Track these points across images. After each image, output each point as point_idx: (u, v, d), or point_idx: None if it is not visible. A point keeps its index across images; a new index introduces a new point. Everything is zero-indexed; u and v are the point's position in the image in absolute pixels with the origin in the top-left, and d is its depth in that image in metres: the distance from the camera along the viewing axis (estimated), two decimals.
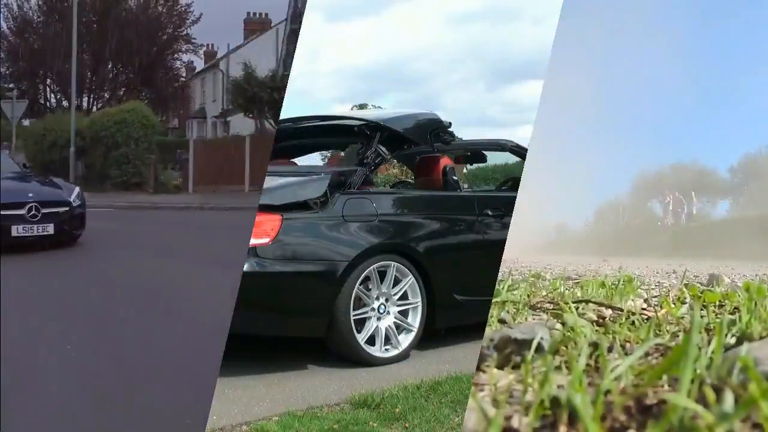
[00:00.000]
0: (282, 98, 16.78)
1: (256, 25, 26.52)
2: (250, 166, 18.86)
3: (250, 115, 19.11)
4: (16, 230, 8.70)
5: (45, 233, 8.88)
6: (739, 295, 2.89)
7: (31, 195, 9.00)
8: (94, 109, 23.83)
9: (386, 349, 4.52)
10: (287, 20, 21.05)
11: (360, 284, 4.45)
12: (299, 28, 19.30)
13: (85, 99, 24.53)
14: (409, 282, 4.63)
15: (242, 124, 21.31)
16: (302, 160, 6.88)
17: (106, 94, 25.18)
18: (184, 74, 27.41)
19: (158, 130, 20.70)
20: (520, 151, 5.63)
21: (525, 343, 1.68)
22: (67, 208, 9.20)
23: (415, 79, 40.16)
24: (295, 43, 19.54)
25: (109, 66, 24.85)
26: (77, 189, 9.86)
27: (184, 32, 25.28)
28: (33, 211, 8.78)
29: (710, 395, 1.18)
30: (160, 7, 25.16)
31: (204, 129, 26.34)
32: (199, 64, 28.76)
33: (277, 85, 17.37)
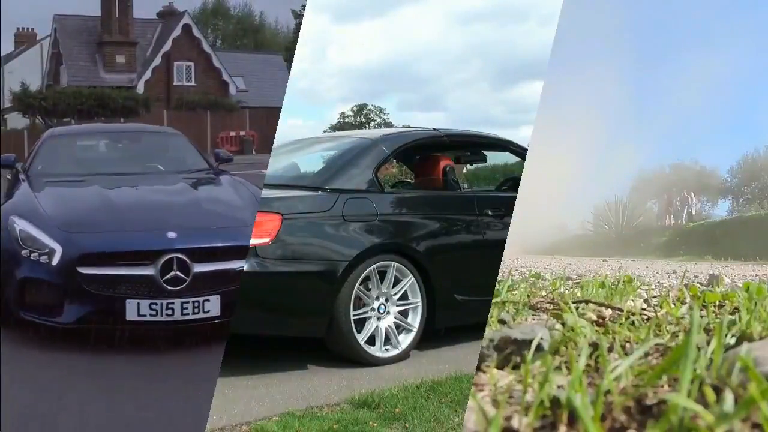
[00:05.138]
0: (51, 104, 21.01)
1: (24, 38, 28.60)
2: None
3: (26, 116, 23.26)
4: (136, 309, 4.30)
5: (200, 315, 4.39)
6: (739, 295, 2.89)
7: (172, 235, 4.53)
8: None
9: (386, 349, 4.52)
10: (50, 44, 24.50)
11: (360, 284, 4.45)
12: (59, 52, 22.91)
13: None
14: (409, 282, 4.63)
15: (17, 120, 24.33)
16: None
17: None
18: None
19: None
20: (520, 151, 5.63)
21: (525, 344, 1.68)
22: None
23: (420, 79, 40.41)
24: (57, 63, 23.30)
25: None
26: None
27: None
28: (174, 270, 4.37)
29: (710, 395, 1.18)
30: None
31: None
32: None
33: (44, 95, 22.29)
